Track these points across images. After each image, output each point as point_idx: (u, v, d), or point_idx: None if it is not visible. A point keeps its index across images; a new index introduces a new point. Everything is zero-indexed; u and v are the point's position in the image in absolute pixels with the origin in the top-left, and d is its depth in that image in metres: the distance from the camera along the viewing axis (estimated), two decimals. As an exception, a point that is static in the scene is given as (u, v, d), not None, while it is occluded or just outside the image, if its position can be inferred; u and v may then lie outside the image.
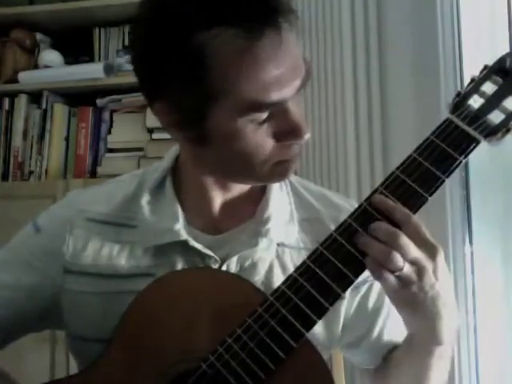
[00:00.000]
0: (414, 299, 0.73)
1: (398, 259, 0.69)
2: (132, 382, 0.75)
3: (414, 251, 0.71)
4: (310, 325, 0.71)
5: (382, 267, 0.70)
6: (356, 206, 0.85)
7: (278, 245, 0.87)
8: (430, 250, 0.72)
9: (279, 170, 0.80)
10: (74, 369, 0.87)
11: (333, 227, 0.85)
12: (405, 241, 0.70)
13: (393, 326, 0.95)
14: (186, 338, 0.75)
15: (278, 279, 0.82)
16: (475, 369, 1.75)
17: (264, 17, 0.71)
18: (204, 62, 0.72)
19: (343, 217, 0.77)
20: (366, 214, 0.74)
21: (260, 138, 0.76)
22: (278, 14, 0.72)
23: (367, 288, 0.92)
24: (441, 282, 0.73)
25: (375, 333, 0.94)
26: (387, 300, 0.90)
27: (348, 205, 0.94)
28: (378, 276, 0.71)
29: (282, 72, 0.73)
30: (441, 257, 0.72)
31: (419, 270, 0.71)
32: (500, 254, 1.74)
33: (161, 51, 0.75)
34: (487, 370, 1.74)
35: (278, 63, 0.73)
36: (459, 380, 1.72)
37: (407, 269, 0.70)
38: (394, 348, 0.95)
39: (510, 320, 1.71)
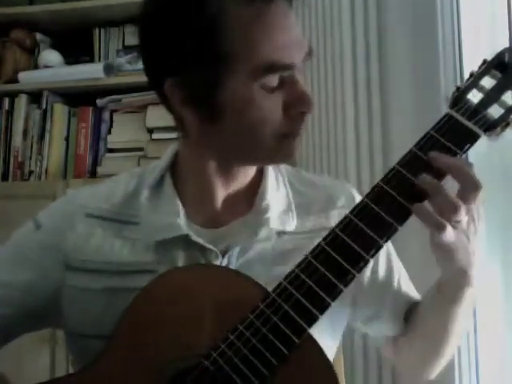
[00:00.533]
0: (460, 245, 0.76)
1: (463, 210, 0.72)
2: (132, 379, 0.75)
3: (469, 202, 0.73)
4: (312, 320, 0.71)
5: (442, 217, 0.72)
6: (347, 185, 0.96)
7: (278, 233, 0.88)
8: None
9: (285, 146, 0.82)
10: (74, 369, 0.87)
11: (331, 210, 0.91)
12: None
13: (407, 280, 1.00)
14: (187, 335, 0.75)
15: (281, 267, 0.82)
16: (475, 369, 1.75)
17: None
18: (218, 29, 0.75)
19: (337, 195, 0.87)
20: (366, 209, 0.74)
21: (271, 105, 0.78)
22: None
23: (372, 265, 0.95)
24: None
25: (394, 286, 0.98)
26: (395, 259, 0.99)
27: (339, 184, 0.98)
28: (438, 225, 0.72)
29: (291, 37, 0.78)
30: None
31: (470, 219, 0.75)
32: (500, 254, 1.74)
33: (173, 23, 0.77)
34: (487, 369, 1.74)
35: (287, 29, 0.78)
36: (459, 380, 1.72)
37: (465, 219, 0.74)
38: (412, 307, 0.99)
39: (510, 320, 1.71)
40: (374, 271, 0.96)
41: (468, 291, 0.84)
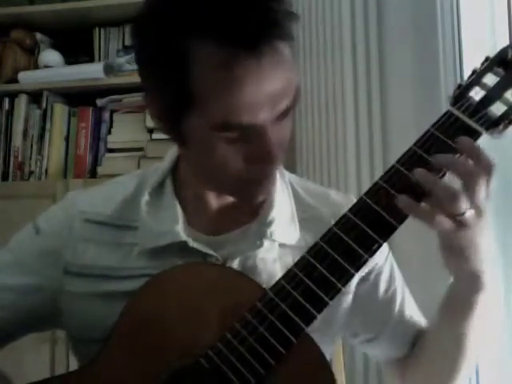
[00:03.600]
0: (470, 243, 0.72)
1: (465, 199, 0.68)
2: (129, 378, 0.75)
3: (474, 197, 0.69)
4: (309, 320, 0.71)
5: (440, 211, 0.68)
6: (353, 200, 0.89)
7: (280, 246, 0.87)
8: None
9: (247, 190, 0.81)
10: (74, 369, 0.87)
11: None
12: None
13: (412, 310, 0.96)
14: (184, 334, 0.75)
15: None
16: (475, 369, 1.74)
17: (250, 33, 0.69)
18: (187, 66, 0.71)
19: (341, 212, 0.77)
20: (365, 208, 0.73)
21: (230, 155, 0.75)
22: (266, 32, 0.70)
23: (375, 276, 0.92)
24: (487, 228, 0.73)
25: (394, 318, 0.94)
26: (400, 286, 0.95)
27: (346, 200, 0.93)
28: (432, 221, 0.69)
29: (258, 97, 0.71)
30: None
31: (480, 212, 0.70)
32: (500, 254, 1.74)
33: (150, 47, 0.76)
34: (487, 369, 1.74)
35: (256, 87, 0.70)
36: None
37: (470, 212, 0.69)
38: (419, 334, 0.95)
39: (510, 320, 1.71)
40: (375, 286, 0.93)
41: (481, 297, 0.80)
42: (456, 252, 0.74)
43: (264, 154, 0.74)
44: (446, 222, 0.69)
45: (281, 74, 0.72)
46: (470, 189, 0.69)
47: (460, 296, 0.82)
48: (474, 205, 0.69)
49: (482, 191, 0.69)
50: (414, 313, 0.97)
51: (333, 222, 0.86)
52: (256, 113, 0.71)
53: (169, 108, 0.76)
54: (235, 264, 0.84)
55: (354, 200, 0.93)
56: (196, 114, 0.73)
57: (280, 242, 0.86)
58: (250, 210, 0.88)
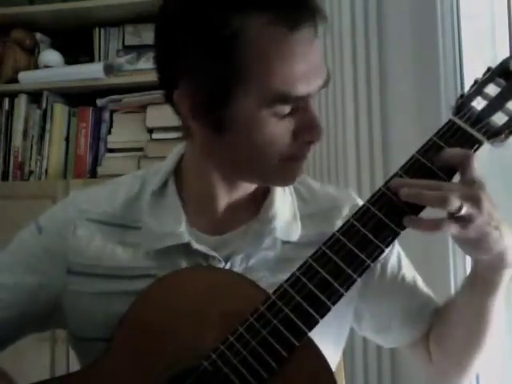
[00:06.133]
0: (481, 233, 0.73)
1: (455, 199, 0.70)
2: (132, 381, 0.75)
3: (466, 188, 0.72)
4: (312, 324, 0.71)
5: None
6: (352, 194, 0.94)
7: (283, 243, 0.87)
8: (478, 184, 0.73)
9: (289, 169, 0.81)
10: (74, 368, 0.87)
11: (336, 219, 0.90)
12: (453, 184, 0.73)
13: (425, 290, 0.97)
14: (187, 337, 0.75)
15: (282, 275, 0.82)
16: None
17: (303, 9, 0.74)
18: (237, 43, 0.73)
19: (342, 204, 0.88)
20: (368, 214, 0.74)
21: (279, 132, 0.77)
22: (315, 10, 0.75)
23: (380, 267, 0.94)
24: (496, 208, 0.74)
25: (408, 283, 0.96)
26: (410, 270, 0.96)
27: (346, 195, 0.96)
28: (438, 226, 0.71)
29: (310, 67, 0.76)
30: (486, 188, 0.74)
31: (477, 202, 0.71)
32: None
33: (196, 28, 0.75)
34: (487, 370, 1.74)
35: (308, 58, 0.75)
36: (459, 380, 1.72)
37: (466, 207, 0.70)
38: (437, 311, 0.96)
39: (510, 320, 1.71)
40: (382, 276, 0.94)
41: (506, 273, 0.81)
42: (474, 244, 0.76)
43: (313, 125, 0.78)
44: (450, 225, 0.71)
45: (319, 50, 0.79)
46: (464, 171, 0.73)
47: (484, 274, 0.82)
48: (466, 196, 0.71)
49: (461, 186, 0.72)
50: (428, 293, 0.98)
51: (336, 218, 0.91)
52: (310, 83, 0.76)
53: (216, 91, 0.75)
54: (237, 262, 0.84)
55: (353, 194, 0.97)
56: (248, 92, 0.74)
57: (282, 240, 0.87)
58: (250, 209, 0.88)
